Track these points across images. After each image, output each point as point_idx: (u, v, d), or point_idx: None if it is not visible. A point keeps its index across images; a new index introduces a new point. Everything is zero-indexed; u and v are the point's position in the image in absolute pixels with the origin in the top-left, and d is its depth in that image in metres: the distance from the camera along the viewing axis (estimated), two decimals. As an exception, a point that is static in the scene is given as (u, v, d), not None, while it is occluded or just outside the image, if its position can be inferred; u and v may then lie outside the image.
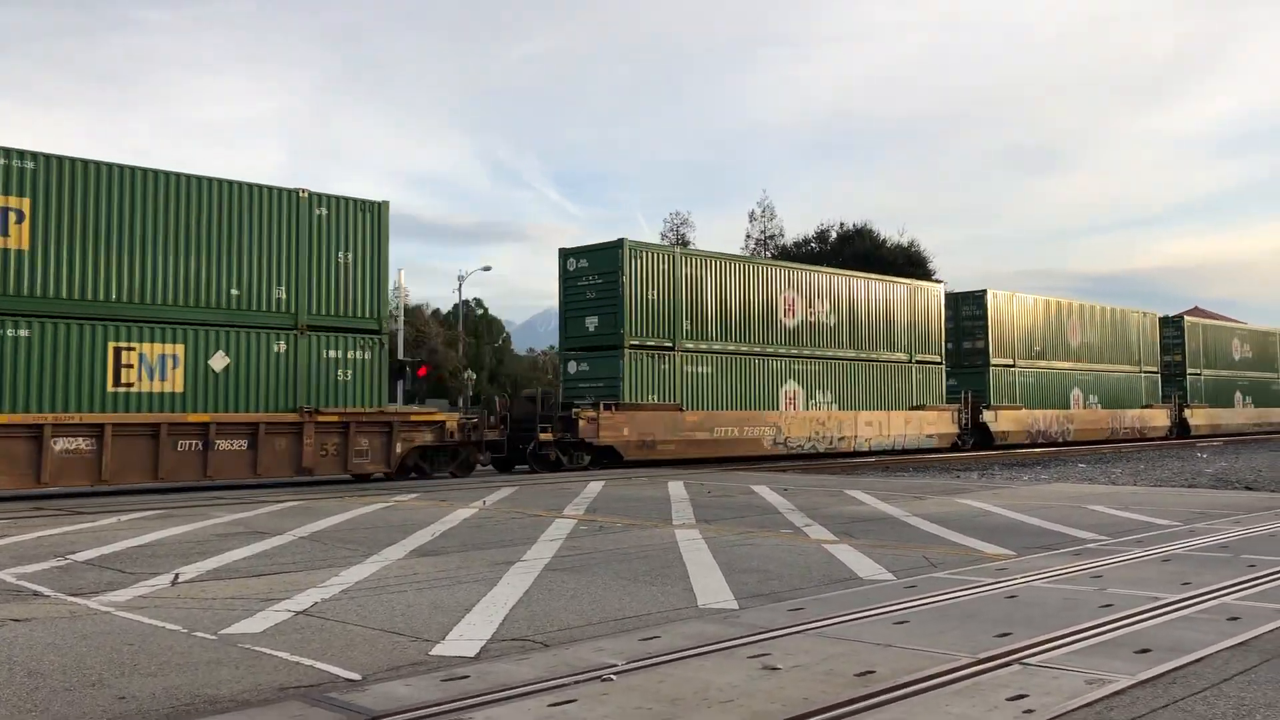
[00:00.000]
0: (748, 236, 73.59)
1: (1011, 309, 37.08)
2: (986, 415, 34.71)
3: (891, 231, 71.45)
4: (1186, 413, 45.08)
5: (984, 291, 36.33)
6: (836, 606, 6.67)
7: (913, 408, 32.25)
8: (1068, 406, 38.82)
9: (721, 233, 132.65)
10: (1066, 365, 38.99)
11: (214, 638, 6.02)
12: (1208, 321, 52.97)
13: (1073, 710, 4.34)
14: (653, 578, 8.13)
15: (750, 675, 4.94)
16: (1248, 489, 17.46)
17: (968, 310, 36.37)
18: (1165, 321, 46.16)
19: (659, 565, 8.78)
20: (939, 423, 32.98)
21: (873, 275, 32.86)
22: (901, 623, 6.14)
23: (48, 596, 7.43)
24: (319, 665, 5.36)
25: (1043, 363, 37.99)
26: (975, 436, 34.31)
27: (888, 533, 11.06)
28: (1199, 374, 47.14)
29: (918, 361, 32.74)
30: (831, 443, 29.28)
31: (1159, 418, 43.18)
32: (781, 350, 28.58)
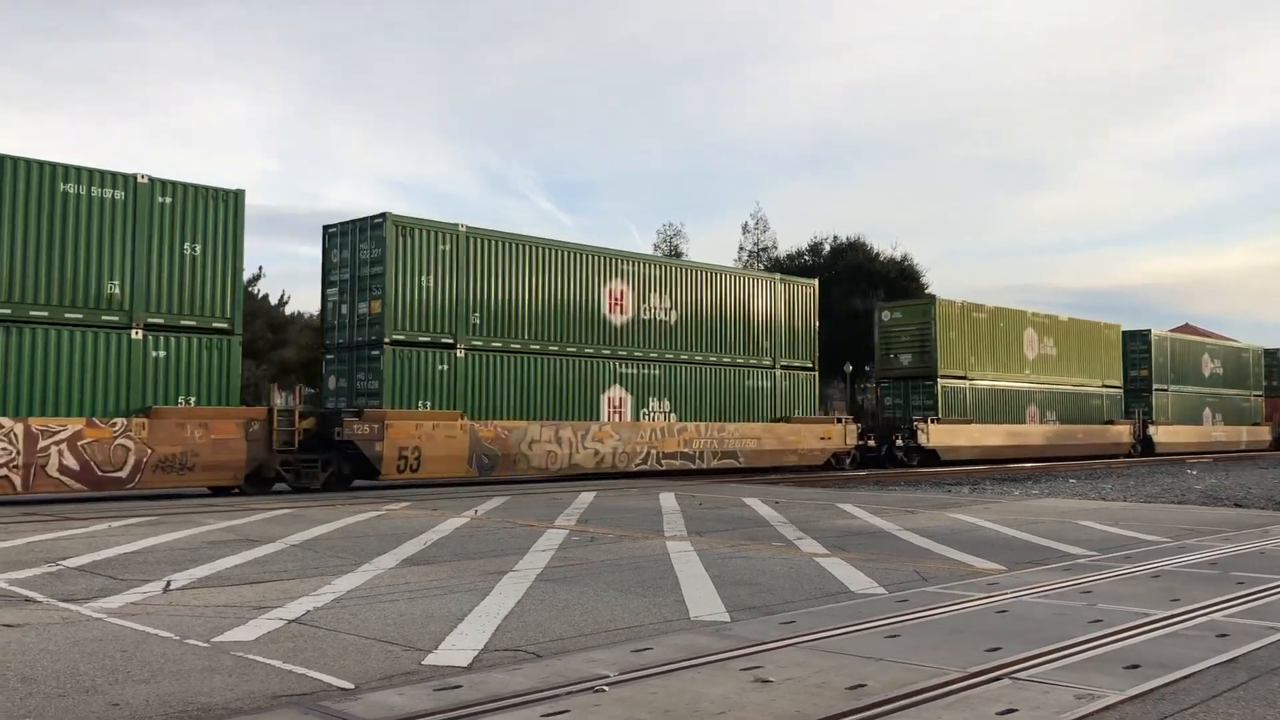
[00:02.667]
0: (741, 248, 73.67)
1: (1168, 344, 47.52)
2: (1151, 429, 44.89)
3: (884, 244, 71.74)
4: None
5: (1148, 331, 46.42)
6: (828, 620, 6.70)
7: (1104, 423, 42.13)
8: (1201, 423, 49.78)
9: (714, 243, 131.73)
10: (1201, 390, 49.92)
11: (206, 645, 6.03)
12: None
13: (1062, 725, 4.37)
14: (644, 589, 8.15)
15: (742, 687, 4.97)
16: (1237, 506, 17.54)
17: (1134, 345, 45.96)
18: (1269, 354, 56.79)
19: (651, 577, 8.81)
20: (1121, 435, 42.54)
21: (1078, 316, 41.79)
22: (893, 636, 6.17)
23: (40, 602, 7.42)
24: (312, 674, 5.37)
25: (1185, 387, 48.40)
26: (1142, 446, 43.64)
27: (879, 547, 11.09)
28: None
29: (1106, 386, 42.53)
30: (1062, 448, 38.81)
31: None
32: (1027, 378, 38.65)
